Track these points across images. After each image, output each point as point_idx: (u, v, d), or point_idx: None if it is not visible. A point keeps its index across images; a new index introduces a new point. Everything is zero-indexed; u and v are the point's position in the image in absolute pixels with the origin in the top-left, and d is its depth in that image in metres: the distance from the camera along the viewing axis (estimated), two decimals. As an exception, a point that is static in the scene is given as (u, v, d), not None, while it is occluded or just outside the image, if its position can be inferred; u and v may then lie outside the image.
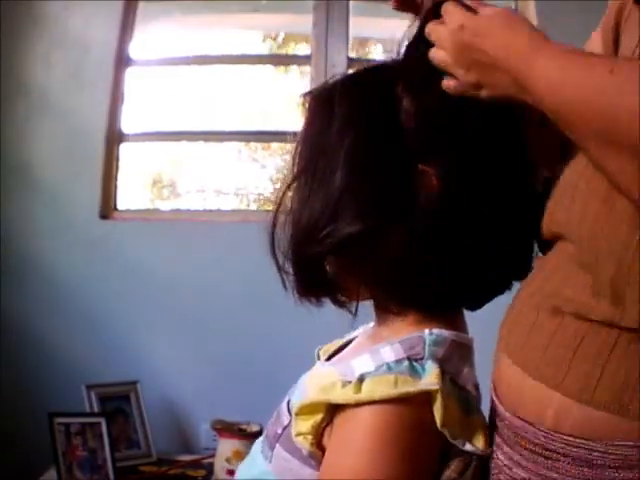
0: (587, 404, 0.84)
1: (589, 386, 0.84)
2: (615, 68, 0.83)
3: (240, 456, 2.60)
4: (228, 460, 2.65)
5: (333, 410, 1.01)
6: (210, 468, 2.76)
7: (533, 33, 0.93)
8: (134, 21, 3.28)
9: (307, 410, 1.03)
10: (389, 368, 0.99)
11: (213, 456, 2.74)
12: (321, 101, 1.14)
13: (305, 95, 1.17)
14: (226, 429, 2.69)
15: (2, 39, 3.19)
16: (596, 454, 0.83)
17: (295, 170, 1.13)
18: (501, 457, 0.96)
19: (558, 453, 0.87)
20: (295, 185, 1.11)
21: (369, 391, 0.97)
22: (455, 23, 0.98)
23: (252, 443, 2.60)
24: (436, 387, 0.96)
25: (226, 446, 2.67)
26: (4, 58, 3.19)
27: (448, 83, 1.02)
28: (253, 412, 2.66)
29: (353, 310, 1.14)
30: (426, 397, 0.97)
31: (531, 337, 0.94)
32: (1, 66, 3.18)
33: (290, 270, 1.11)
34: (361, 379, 0.99)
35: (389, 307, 1.09)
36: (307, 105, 1.16)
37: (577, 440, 0.85)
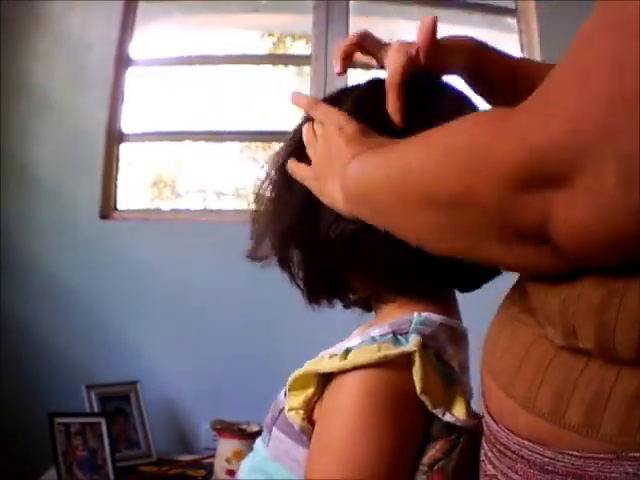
0: (530, 412, 0.84)
1: (531, 394, 0.84)
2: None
3: (240, 456, 2.60)
4: (228, 460, 2.65)
5: (323, 383, 1.04)
6: (210, 468, 2.76)
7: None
8: (134, 21, 3.29)
9: (298, 384, 1.06)
10: (373, 340, 1.02)
11: (213, 456, 2.74)
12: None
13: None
14: (226, 429, 2.69)
15: (3, 39, 3.19)
16: (547, 459, 0.83)
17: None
18: (481, 452, 0.97)
19: (516, 455, 0.87)
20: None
21: (352, 358, 1.01)
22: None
23: (252, 443, 2.60)
24: (414, 349, 0.99)
25: (226, 446, 2.67)
26: (5, 58, 3.20)
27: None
28: (253, 412, 2.66)
29: (360, 309, 1.19)
30: (406, 362, 0.99)
31: (497, 340, 0.94)
32: (2, 66, 3.19)
33: (298, 275, 1.15)
34: (347, 351, 1.03)
35: (381, 295, 1.13)
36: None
37: (531, 444, 0.85)
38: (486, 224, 0.77)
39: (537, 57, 3.28)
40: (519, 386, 0.86)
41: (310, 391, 1.04)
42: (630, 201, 0.66)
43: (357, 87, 1.19)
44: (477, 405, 1.09)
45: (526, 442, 0.85)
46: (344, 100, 1.14)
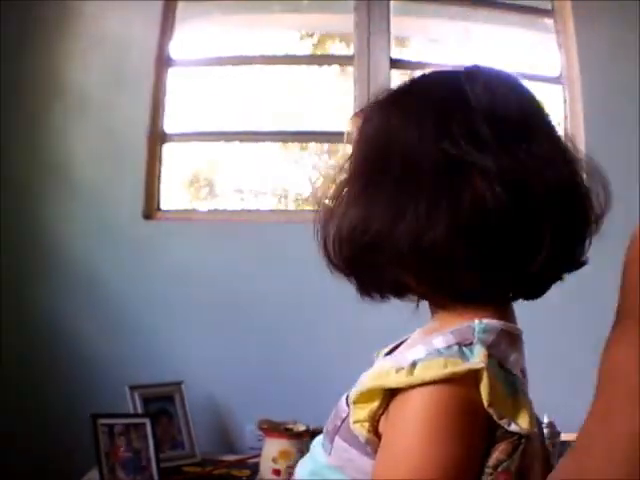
0: None
1: None
2: None
3: (287, 455, 2.61)
4: (274, 460, 2.65)
5: (389, 397, 1.04)
6: (255, 468, 2.76)
7: None
8: (174, 21, 3.28)
9: (364, 398, 1.05)
10: (439, 353, 1.03)
11: (258, 456, 2.74)
12: (388, 104, 1.16)
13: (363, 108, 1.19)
14: (273, 429, 2.69)
15: (40, 39, 3.19)
16: None
17: (354, 174, 1.15)
18: None
19: None
20: (358, 189, 1.13)
21: (420, 374, 1.01)
22: None
23: (299, 443, 2.63)
24: (482, 365, 0.99)
25: (272, 446, 2.67)
26: (42, 58, 3.20)
27: None
28: (299, 412, 2.67)
29: (415, 303, 1.18)
30: (473, 377, 1.00)
31: None
32: (39, 66, 3.19)
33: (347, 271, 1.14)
34: (413, 364, 1.02)
35: (440, 301, 1.13)
36: (368, 110, 1.18)
37: None
38: None
39: (574, 57, 3.28)
40: None
41: (375, 404, 1.04)
42: None
43: None
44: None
45: None
46: None
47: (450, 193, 1.04)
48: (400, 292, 1.15)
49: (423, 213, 1.05)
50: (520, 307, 1.16)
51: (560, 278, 1.13)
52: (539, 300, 1.14)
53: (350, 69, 3.33)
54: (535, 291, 1.14)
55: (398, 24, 3.29)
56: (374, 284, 1.14)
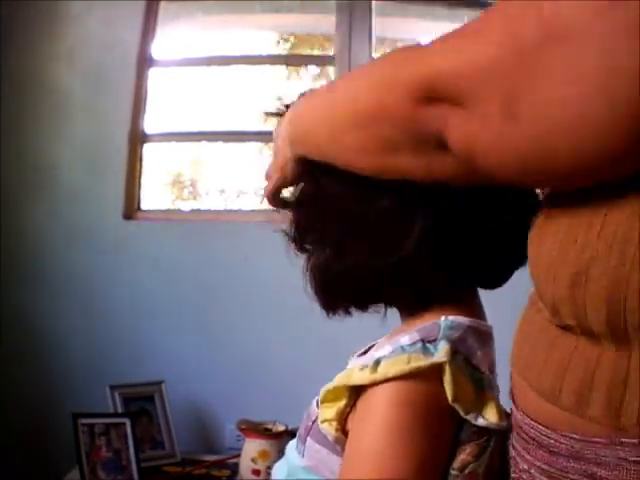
0: (538, 394, 0.86)
1: (538, 375, 0.86)
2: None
3: (266, 456, 2.61)
4: (254, 460, 2.65)
5: (355, 395, 1.05)
6: (235, 468, 2.76)
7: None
8: (156, 21, 3.28)
9: (331, 397, 1.07)
10: (403, 350, 1.03)
11: (238, 456, 2.74)
12: None
13: None
14: (252, 429, 2.68)
15: (23, 38, 3.19)
16: (552, 441, 0.85)
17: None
18: (512, 451, 0.97)
19: (531, 438, 0.89)
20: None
21: (383, 370, 1.02)
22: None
23: (278, 443, 2.62)
24: (444, 359, 1.00)
25: (252, 446, 2.67)
26: (25, 58, 3.20)
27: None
28: (279, 412, 2.66)
29: (382, 312, 1.18)
30: (437, 372, 1.00)
31: (533, 348, 0.93)
32: (23, 66, 3.19)
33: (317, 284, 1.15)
34: (377, 362, 1.03)
35: (408, 306, 1.15)
36: None
37: (541, 427, 0.87)
38: (398, 136, 0.87)
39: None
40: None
41: (342, 403, 1.06)
42: (512, 132, 0.75)
43: None
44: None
45: (535, 424, 0.88)
46: None
47: (417, 200, 1.05)
48: (365, 305, 1.16)
49: (394, 224, 1.06)
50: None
51: (522, 264, 1.12)
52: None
53: (330, 70, 3.34)
54: (495, 280, 1.16)
55: (381, 25, 3.28)
56: (342, 301, 1.15)
